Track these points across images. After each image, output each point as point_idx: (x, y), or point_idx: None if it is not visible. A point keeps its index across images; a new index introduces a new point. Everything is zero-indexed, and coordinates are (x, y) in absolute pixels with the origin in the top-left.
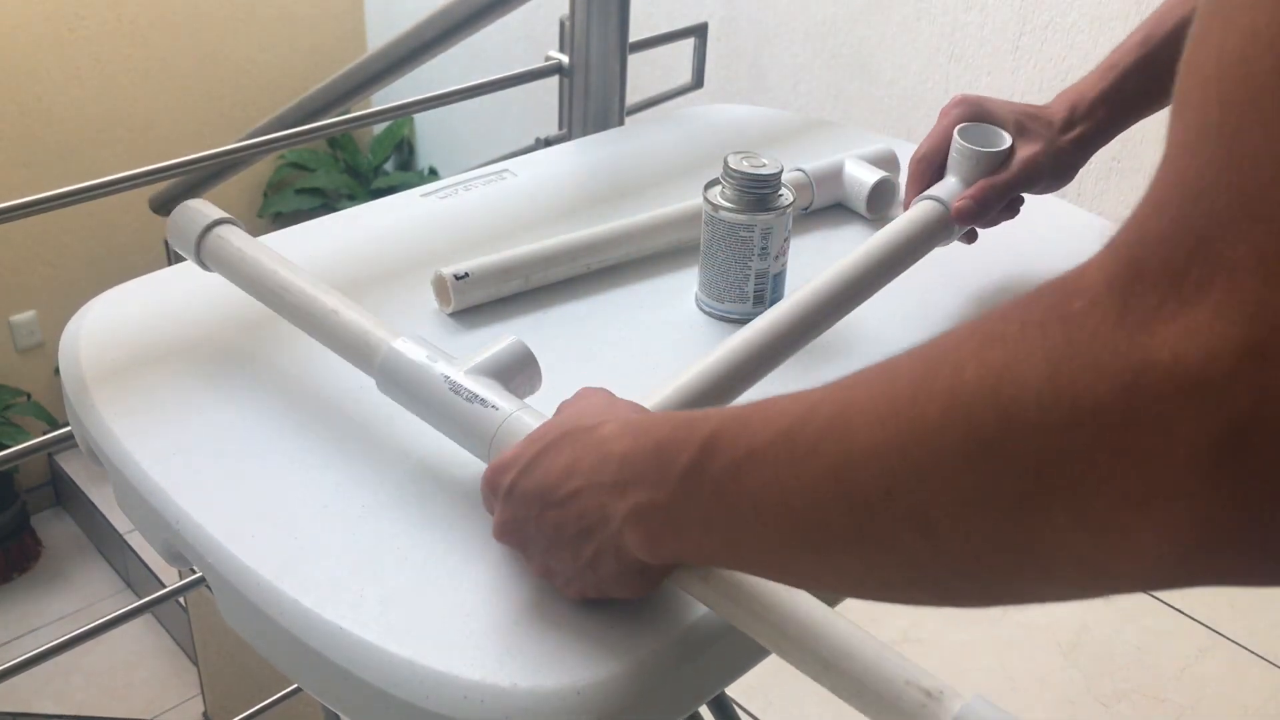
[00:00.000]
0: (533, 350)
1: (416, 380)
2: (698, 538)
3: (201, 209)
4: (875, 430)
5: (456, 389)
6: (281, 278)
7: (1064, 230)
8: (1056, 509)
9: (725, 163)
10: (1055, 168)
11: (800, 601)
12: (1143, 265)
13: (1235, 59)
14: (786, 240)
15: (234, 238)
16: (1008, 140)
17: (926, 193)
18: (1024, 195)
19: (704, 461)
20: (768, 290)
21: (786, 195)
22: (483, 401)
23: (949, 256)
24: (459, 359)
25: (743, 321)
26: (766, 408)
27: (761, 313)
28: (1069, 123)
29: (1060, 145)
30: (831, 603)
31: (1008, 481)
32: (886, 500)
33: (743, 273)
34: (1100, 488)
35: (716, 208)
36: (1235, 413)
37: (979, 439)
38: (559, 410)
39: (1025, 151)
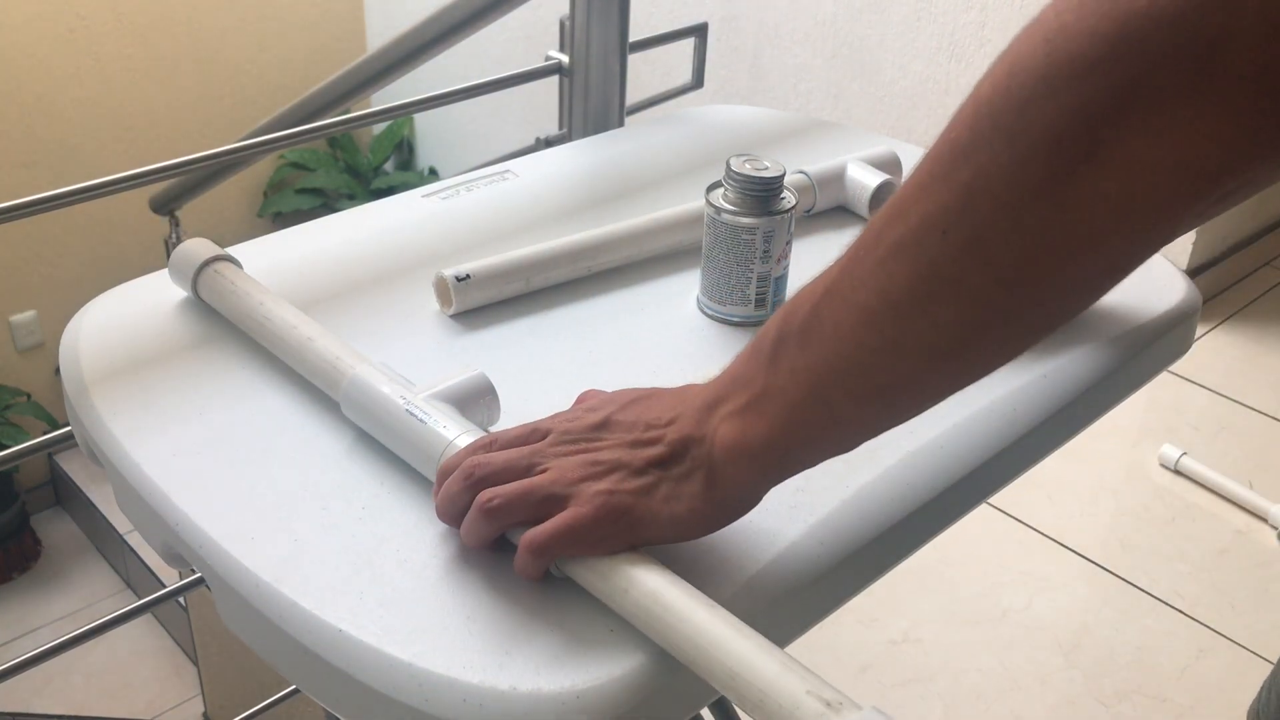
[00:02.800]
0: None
1: (374, 403)
2: (800, 425)
3: (196, 248)
4: (918, 196)
5: (411, 410)
6: (262, 313)
7: None
8: (1080, 166)
9: (728, 165)
10: None
11: (711, 615)
12: None
13: None
14: (789, 243)
15: (225, 275)
16: None
17: None
18: None
19: (783, 335)
20: (770, 293)
21: (789, 198)
22: (435, 423)
23: None
24: (419, 386)
25: (745, 324)
26: (815, 279)
27: (764, 316)
28: None
29: None
30: (840, 603)
31: (1035, 162)
32: (943, 241)
33: (745, 276)
34: (1128, 113)
35: (719, 210)
36: (1210, 34)
37: (1003, 131)
38: (582, 399)
39: None
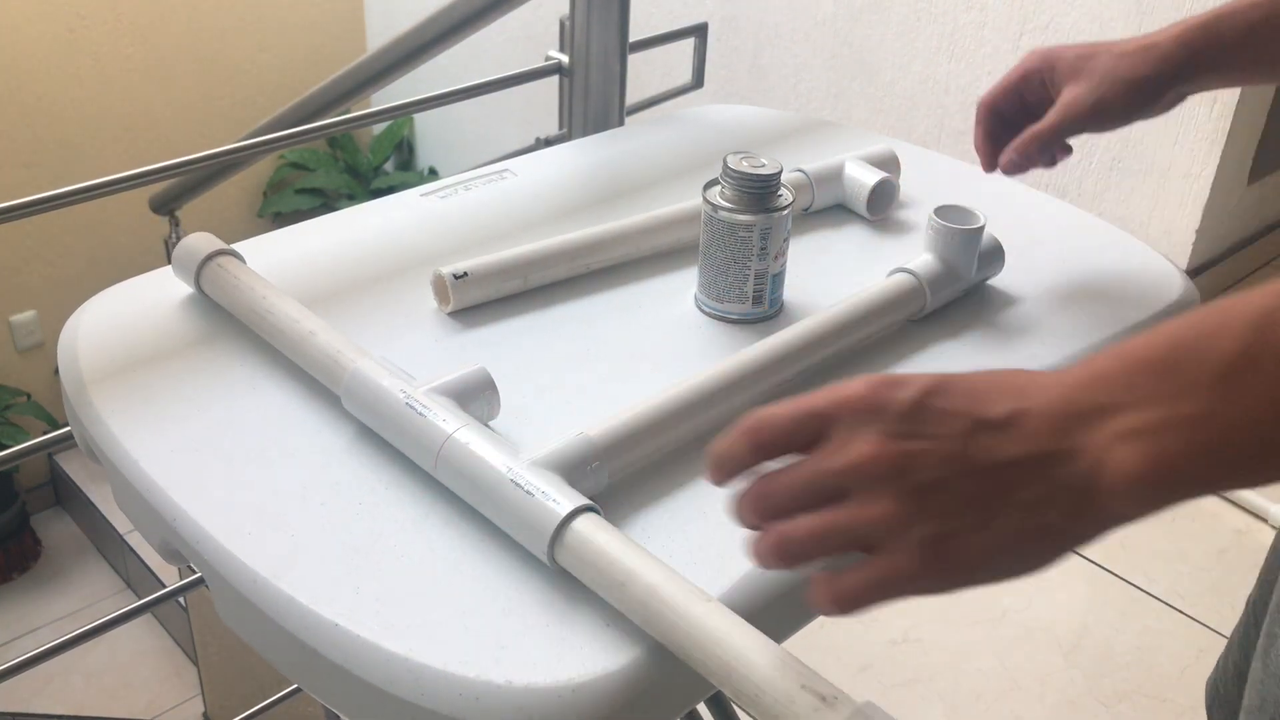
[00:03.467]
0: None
1: (375, 397)
2: (1233, 463)
3: (198, 242)
4: None
5: (411, 404)
6: (264, 306)
7: (1063, 230)
8: None
9: (725, 163)
10: (1114, 98)
11: (708, 610)
12: None
13: None
14: (786, 240)
15: (229, 269)
16: (981, 220)
17: (901, 265)
18: (1071, 144)
19: (1258, 348)
20: (766, 290)
21: (786, 195)
22: (435, 415)
23: None
24: (419, 381)
25: (742, 322)
26: None
27: (761, 313)
28: (1147, 46)
29: (1121, 73)
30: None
31: None
32: None
33: (742, 273)
34: None
35: (716, 208)
36: None
37: None
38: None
39: (1067, 96)
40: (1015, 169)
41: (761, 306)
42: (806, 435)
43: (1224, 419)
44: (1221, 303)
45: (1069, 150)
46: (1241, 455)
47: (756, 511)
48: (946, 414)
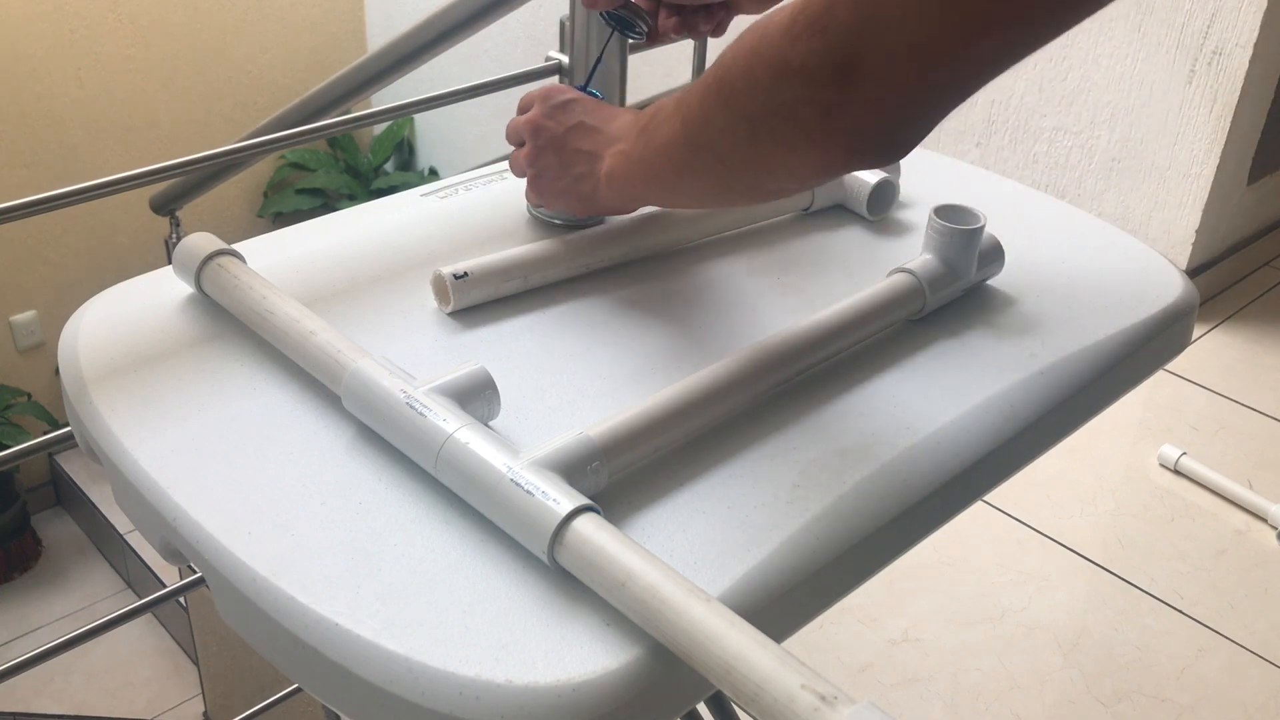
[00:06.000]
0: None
1: (376, 396)
2: (639, 181)
3: (199, 242)
4: (683, 116)
5: (411, 403)
6: (265, 306)
7: (1063, 230)
8: (764, 138)
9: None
10: None
11: (708, 609)
12: (804, 8)
13: None
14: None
15: (229, 269)
16: (980, 220)
17: (900, 265)
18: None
19: (648, 126)
20: None
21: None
22: (435, 415)
23: None
24: (419, 380)
25: (568, 227)
26: (673, 100)
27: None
28: None
29: None
30: (837, 598)
31: (741, 126)
32: (690, 147)
33: None
34: (781, 127)
35: None
36: (826, 98)
37: (726, 104)
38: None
39: None
40: (674, 34)
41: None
42: (526, 106)
43: (635, 150)
44: (654, 106)
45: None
46: (643, 179)
47: (509, 138)
48: (569, 114)
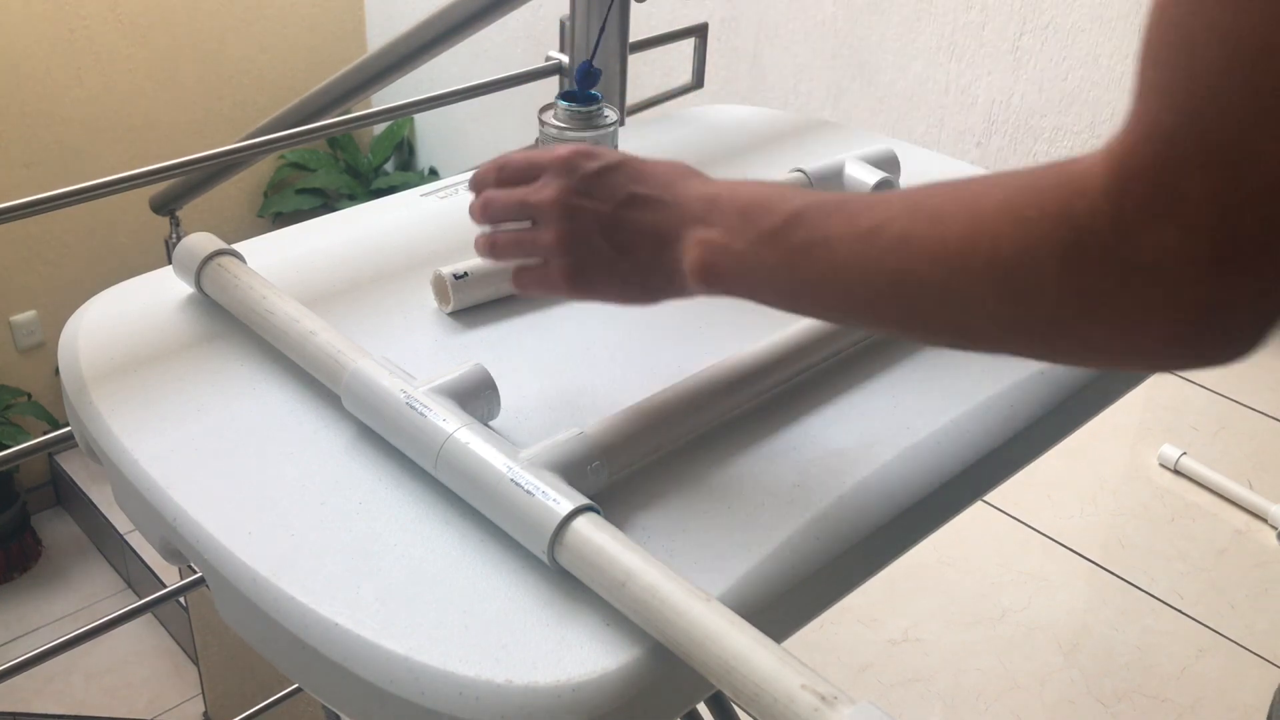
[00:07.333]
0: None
1: (375, 396)
2: (754, 288)
3: (199, 242)
4: (929, 266)
5: (411, 403)
6: (265, 306)
7: None
8: (1071, 330)
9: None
10: None
11: (708, 609)
12: (1130, 184)
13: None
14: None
15: (229, 269)
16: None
17: None
18: None
19: (786, 232)
20: None
21: (609, 115)
22: (435, 415)
23: None
24: (419, 380)
25: None
26: (848, 204)
27: None
28: None
29: None
30: (837, 598)
31: (1035, 316)
32: (935, 313)
33: None
34: (1108, 320)
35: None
36: (1196, 299)
37: (1008, 287)
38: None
39: None
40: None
41: None
42: (528, 176)
43: (754, 262)
44: (788, 189)
45: None
46: (760, 294)
47: (483, 213)
48: (614, 186)
